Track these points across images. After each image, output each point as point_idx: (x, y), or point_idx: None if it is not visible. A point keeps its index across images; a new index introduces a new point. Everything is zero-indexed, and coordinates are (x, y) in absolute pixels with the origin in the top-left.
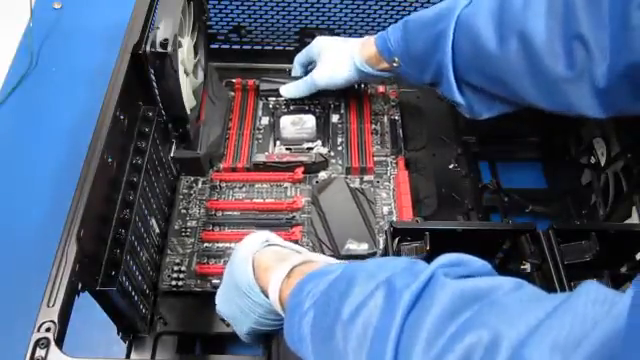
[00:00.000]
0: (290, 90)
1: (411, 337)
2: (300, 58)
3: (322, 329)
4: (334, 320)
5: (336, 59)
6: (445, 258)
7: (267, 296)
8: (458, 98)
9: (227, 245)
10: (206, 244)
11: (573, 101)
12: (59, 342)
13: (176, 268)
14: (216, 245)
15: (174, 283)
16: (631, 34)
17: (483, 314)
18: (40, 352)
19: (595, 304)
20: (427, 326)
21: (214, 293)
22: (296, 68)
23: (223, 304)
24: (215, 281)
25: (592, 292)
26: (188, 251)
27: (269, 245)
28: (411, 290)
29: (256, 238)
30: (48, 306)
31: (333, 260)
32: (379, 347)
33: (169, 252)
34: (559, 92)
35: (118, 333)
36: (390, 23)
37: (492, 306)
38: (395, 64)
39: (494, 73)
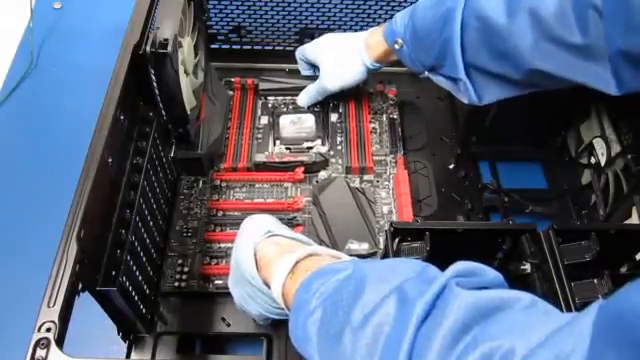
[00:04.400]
0: (303, 99)
1: (424, 348)
2: (299, 56)
3: (329, 332)
4: (343, 325)
5: (341, 62)
6: (458, 267)
7: (270, 287)
8: (463, 76)
9: (229, 245)
10: (208, 244)
11: (586, 72)
12: (59, 342)
13: (179, 269)
14: (218, 245)
15: (177, 284)
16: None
17: (497, 327)
18: (40, 352)
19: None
20: (440, 338)
21: (215, 293)
22: (301, 64)
23: (233, 288)
24: (218, 282)
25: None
26: (190, 252)
27: (271, 235)
28: (425, 300)
29: (258, 227)
30: (48, 306)
31: (339, 254)
32: (390, 356)
33: (171, 253)
34: (571, 63)
35: (118, 333)
36: None
37: (506, 321)
38: (397, 46)
39: (502, 48)
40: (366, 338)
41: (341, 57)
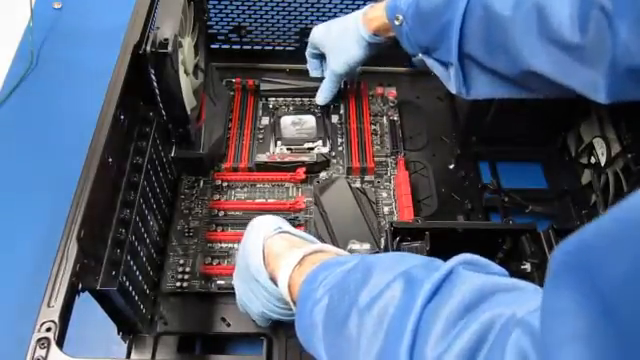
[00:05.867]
0: (320, 96)
1: (430, 324)
2: (309, 51)
3: (335, 317)
4: (349, 308)
5: (342, 40)
6: (464, 257)
7: (275, 283)
8: (454, 61)
9: (231, 245)
10: (210, 244)
11: (578, 76)
12: (60, 342)
13: (180, 269)
14: (220, 245)
15: (178, 284)
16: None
17: (499, 300)
18: (40, 352)
19: None
20: (446, 314)
21: (215, 293)
22: (311, 63)
23: (238, 283)
24: (219, 282)
25: None
26: (191, 252)
27: (281, 232)
28: (432, 280)
29: (268, 223)
30: (48, 306)
31: (345, 252)
32: (396, 333)
33: (172, 253)
34: (565, 64)
35: (118, 333)
36: None
37: (510, 296)
38: (397, 22)
39: (501, 41)
40: (372, 319)
41: (340, 34)
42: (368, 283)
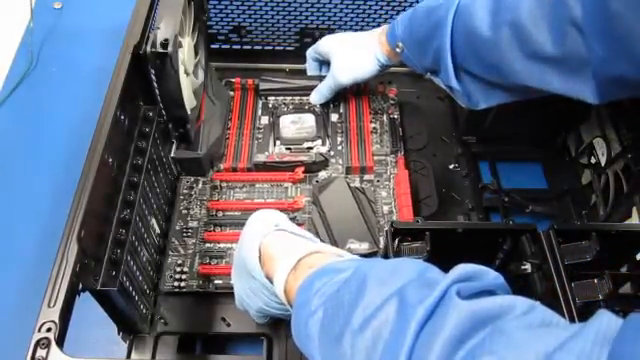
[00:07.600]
0: (315, 97)
1: (422, 358)
2: (311, 54)
3: (330, 333)
4: (343, 327)
5: (356, 55)
6: (459, 271)
7: (272, 282)
8: (455, 84)
9: (229, 245)
10: (208, 244)
11: (565, 85)
12: (60, 342)
13: (178, 269)
14: (218, 245)
15: (176, 284)
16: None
17: (493, 342)
18: (41, 352)
19: (603, 345)
20: (439, 346)
21: (215, 293)
22: (310, 64)
23: (236, 280)
24: (217, 281)
25: (602, 331)
26: (190, 252)
27: (278, 230)
28: (424, 307)
29: (266, 220)
30: (49, 306)
31: (342, 252)
32: None
33: (171, 253)
34: (549, 76)
35: (119, 333)
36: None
37: (502, 334)
38: (398, 49)
39: (489, 59)
40: (365, 342)
41: (356, 51)
42: (362, 299)
